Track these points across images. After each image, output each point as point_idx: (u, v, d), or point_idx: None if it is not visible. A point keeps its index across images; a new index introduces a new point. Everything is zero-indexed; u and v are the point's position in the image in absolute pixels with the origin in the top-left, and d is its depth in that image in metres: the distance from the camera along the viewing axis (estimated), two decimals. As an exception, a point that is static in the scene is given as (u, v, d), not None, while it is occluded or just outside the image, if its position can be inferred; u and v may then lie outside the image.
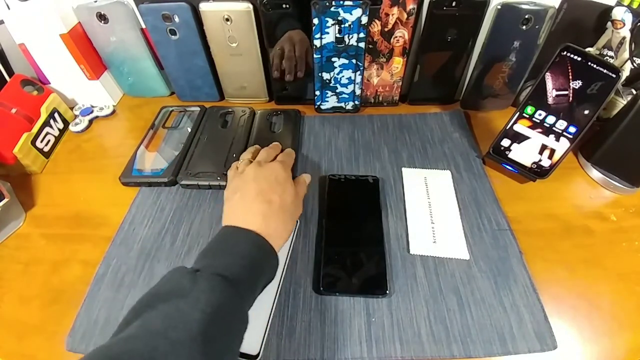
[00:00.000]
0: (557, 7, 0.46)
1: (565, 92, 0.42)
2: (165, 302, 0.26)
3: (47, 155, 0.53)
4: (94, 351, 0.23)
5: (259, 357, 0.32)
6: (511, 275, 0.38)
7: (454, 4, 0.46)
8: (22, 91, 0.53)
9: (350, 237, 0.41)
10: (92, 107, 0.60)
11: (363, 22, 0.46)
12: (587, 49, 0.47)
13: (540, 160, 0.45)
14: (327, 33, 0.47)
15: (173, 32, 0.51)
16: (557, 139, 0.44)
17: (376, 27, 0.48)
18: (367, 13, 0.45)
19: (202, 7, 0.48)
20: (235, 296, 0.29)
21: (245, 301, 0.30)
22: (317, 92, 0.55)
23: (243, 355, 0.32)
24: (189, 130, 0.54)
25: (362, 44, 0.48)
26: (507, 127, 0.47)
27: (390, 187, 0.46)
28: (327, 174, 0.47)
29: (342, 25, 0.46)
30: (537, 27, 0.46)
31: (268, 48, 0.51)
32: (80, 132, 0.57)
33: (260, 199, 0.36)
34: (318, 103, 0.56)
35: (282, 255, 0.39)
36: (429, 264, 0.39)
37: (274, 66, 0.53)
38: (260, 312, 0.35)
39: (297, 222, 0.42)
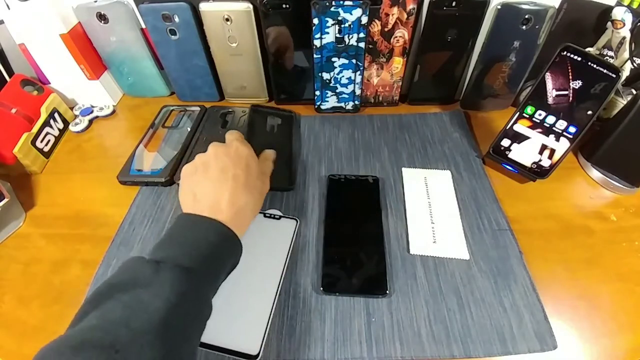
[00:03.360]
0: (557, 7, 0.46)
1: (565, 92, 0.42)
2: (124, 292, 0.26)
3: (47, 155, 0.53)
4: (52, 343, 0.23)
5: (259, 357, 0.32)
6: (511, 275, 0.38)
7: (454, 4, 0.46)
8: (22, 91, 0.53)
9: (350, 237, 0.41)
10: (92, 107, 0.60)
11: (363, 22, 0.46)
12: (587, 49, 0.47)
13: (540, 160, 0.45)
14: (327, 33, 0.47)
15: (173, 32, 0.51)
16: (557, 139, 0.44)
17: (376, 27, 0.48)
18: (367, 13, 0.45)
19: (202, 7, 0.48)
20: (198, 286, 0.28)
21: (209, 290, 0.30)
22: (317, 92, 0.54)
23: (243, 355, 0.32)
24: (189, 129, 0.53)
25: (362, 44, 0.48)
26: (507, 127, 0.47)
27: (390, 187, 0.46)
28: (327, 174, 0.47)
29: (342, 25, 0.46)
30: (537, 27, 0.46)
31: (268, 48, 0.51)
32: (80, 132, 0.57)
33: (224, 176, 0.35)
34: (318, 103, 0.56)
35: (282, 256, 0.39)
36: (429, 264, 0.39)
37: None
38: (261, 312, 0.35)
39: (296, 221, 0.42)
